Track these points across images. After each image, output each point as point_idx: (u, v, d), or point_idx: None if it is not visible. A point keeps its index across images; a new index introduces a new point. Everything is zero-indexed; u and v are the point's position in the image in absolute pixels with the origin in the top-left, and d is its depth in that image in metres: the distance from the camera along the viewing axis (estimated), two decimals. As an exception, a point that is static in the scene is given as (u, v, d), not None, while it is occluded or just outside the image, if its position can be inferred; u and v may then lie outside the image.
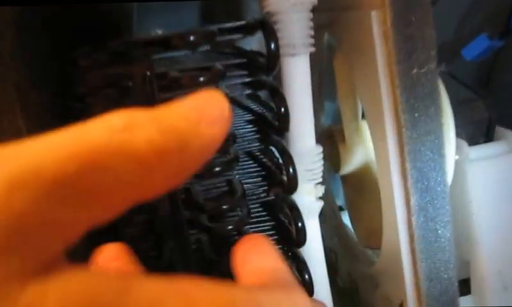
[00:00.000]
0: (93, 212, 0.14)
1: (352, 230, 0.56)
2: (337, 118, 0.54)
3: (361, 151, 0.49)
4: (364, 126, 0.49)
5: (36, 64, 0.37)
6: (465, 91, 0.50)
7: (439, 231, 0.34)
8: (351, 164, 0.49)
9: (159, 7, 0.50)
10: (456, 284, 0.36)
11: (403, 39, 0.32)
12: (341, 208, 0.62)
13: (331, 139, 0.51)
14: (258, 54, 0.37)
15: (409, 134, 0.33)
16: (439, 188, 0.34)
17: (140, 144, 0.14)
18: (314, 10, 0.43)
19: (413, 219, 0.34)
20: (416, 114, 0.33)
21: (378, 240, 0.44)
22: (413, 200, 0.34)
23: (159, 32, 0.44)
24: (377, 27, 0.33)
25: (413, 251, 0.35)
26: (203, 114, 0.16)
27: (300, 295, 0.19)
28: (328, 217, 0.57)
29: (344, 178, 0.51)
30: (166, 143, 0.15)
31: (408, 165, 0.33)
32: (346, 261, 0.58)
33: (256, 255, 0.23)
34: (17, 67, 0.36)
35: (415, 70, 0.32)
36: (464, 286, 0.47)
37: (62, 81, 0.36)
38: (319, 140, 0.53)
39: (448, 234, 0.35)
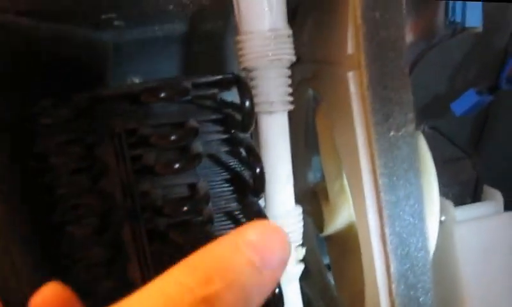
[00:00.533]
0: None
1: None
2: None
3: (345, 212, 0.47)
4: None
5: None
6: (453, 148, 0.50)
7: (420, 299, 0.33)
8: (335, 224, 0.47)
9: (137, 54, 0.50)
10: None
11: (380, 102, 0.31)
12: (329, 267, 0.60)
13: (315, 198, 0.49)
14: (234, 107, 0.36)
15: (388, 198, 0.32)
16: (420, 255, 0.33)
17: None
18: (299, 62, 0.42)
19: (393, 286, 0.33)
20: (394, 178, 0.32)
21: (361, 305, 0.42)
22: (392, 267, 0.32)
23: (136, 80, 0.43)
24: (355, 88, 0.32)
25: (394, 320, 0.34)
26: (268, 260, 0.17)
27: None
28: (313, 278, 0.55)
29: (328, 239, 0.50)
30: (231, 295, 0.16)
31: (387, 230, 0.32)
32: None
33: None
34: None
35: (392, 133, 0.31)
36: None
37: (20, 139, 0.35)
38: (304, 198, 0.52)
39: (429, 302, 0.33)
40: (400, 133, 0.31)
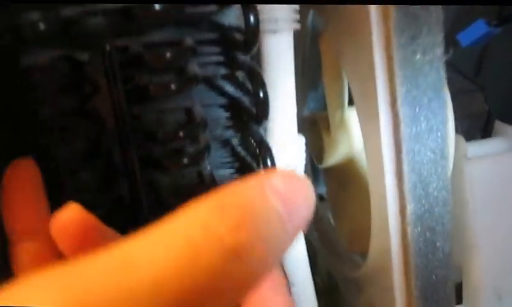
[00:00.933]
0: None
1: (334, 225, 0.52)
2: (320, 108, 0.49)
3: (347, 142, 0.44)
4: (351, 114, 0.44)
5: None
6: (462, 81, 0.46)
7: (437, 244, 0.30)
8: (335, 155, 0.44)
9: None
10: (454, 303, 0.31)
11: (406, 20, 0.26)
12: (321, 198, 0.57)
13: (314, 128, 0.46)
14: (236, 29, 0.32)
15: (409, 131, 0.28)
16: (440, 195, 0.29)
17: (249, 273, 0.14)
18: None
19: (409, 229, 0.30)
20: (417, 108, 0.28)
21: (364, 244, 0.39)
22: (409, 208, 0.29)
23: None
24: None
25: (406, 265, 0.31)
26: (292, 215, 0.15)
27: None
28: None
29: (327, 171, 0.46)
30: (268, 260, 0.15)
31: (406, 168, 0.29)
32: (326, 259, 0.53)
33: None
34: None
35: (418, 57, 0.27)
36: (456, 294, 0.43)
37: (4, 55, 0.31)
38: (301, 128, 0.48)
39: (447, 248, 0.30)
40: (427, 58, 0.27)
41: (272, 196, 0.15)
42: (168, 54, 0.28)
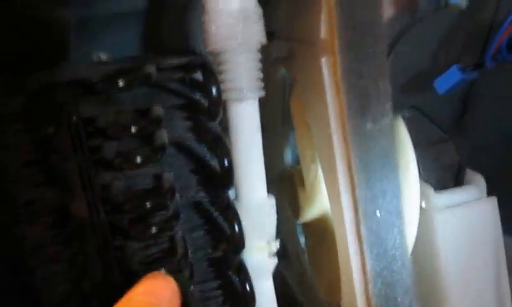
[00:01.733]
0: None
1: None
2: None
3: (321, 199, 0.45)
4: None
5: None
6: (436, 130, 0.47)
7: (398, 299, 0.31)
8: (311, 211, 0.45)
9: (102, 29, 0.46)
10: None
11: (355, 93, 0.28)
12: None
13: (291, 182, 0.47)
14: (202, 95, 0.33)
15: (363, 194, 0.30)
16: (397, 253, 0.31)
17: None
18: (273, 37, 0.39)
19: (370, 286, 0.31)
20: (370, 173, 0.29)
21: (337, 295, 0.41)
22: (368, 266, 0.31)
23: (102, 56, 0.40)
24: (329, 75, 0.30)
25: (370, 319, 0.32)
26: (161, 295, 0.22)
27: None
28: (291, 262, 0.53)
29: (305, 225, 0.48)
30: None
31: (363, 228, 0.30)
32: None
33: None
34: None
35: (368, 126, 0.29)
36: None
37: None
38: (281, 181, 0.49)
39: (407, 302, 0.31)
40: (377, 127, 0.29)
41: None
42: (134, 127, 0.30)
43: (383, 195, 0.30)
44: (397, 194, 0.30)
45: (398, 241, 0.31)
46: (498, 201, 0.43)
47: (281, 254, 0.49)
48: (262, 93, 0.34)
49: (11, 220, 0.31)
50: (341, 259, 0.34)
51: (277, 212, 0.38)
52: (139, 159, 0.31)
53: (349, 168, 0.30)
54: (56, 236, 0.31)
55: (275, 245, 0.37)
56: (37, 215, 0.31)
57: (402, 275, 0.31)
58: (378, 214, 0.30)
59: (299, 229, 0.55)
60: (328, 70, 0.30)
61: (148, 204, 0.31)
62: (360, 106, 0.28)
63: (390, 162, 0.29)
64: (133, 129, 0.31)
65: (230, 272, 0.37)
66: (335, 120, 0.30)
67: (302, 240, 0.56)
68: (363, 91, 0.28)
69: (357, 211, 0.30)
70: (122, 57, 0.37)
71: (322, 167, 0.35)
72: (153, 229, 0.32)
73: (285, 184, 0.48)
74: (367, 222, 0.30)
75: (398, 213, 0.30)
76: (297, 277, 0.53)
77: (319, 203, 0.45)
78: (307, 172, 0.44)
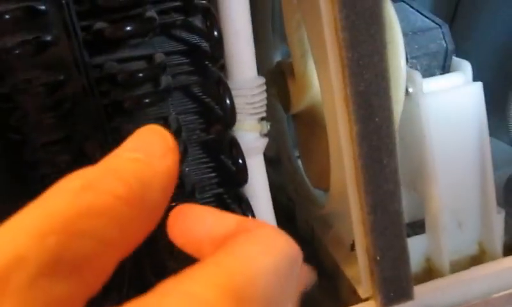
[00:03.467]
0: (86, 281, 0.14)
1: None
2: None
3: (311, 89, 0.46)
4: (312, 62, 0.46)
5: None
6: (423, 19, 0.47)
7: (384, 161, 0.32)
8: (301, 102, 0.46)
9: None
10: (403, 217, 0.34)
11: None
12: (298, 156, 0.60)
13: (281, 77, 0.48)
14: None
15: (350, 55, 0.30)
16: (384, 115, 0.32)
17: (108, 200, 0.14)
18: None
19: (357, 149, 0.32)
20: (357, 33, 0.30)
21: (328, 180, 0.42)
22: (355, 128, 0.31)
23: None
24: None
25: (358, 183, 0.33)
26: (151, 152, 0.17)
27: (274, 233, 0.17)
28: (284, 164, 0.54)
29: (295, 118, 0.49)
30: (131, 190, 0.15)
31: (350, 90, 0.31)
32: (303, 209, 0.56)
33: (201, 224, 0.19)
34: None
35: (355, -17, 0.29)
36: (422, 229, 0.46)
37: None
38: (271, 80, 0.50)
39: (393, 164, 0.32)
40: (363, -16, 0.29)
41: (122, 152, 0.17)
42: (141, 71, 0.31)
43: (370, 56, 0.30)
44: (383, 57, 0.31)
45: (384, 103, 0.31)
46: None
47: (273, 160, 0.51)
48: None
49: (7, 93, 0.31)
50: (329, 127, 0.35)
51: (267, 113, 0.39)
52: (129, 29, 0.31)
53: (335, 29, 0.30)
54: (52, 116, 0.32)
55: (265, 125, 0.38)
56: (31, 90, 0.31)
57: (388, 138, 0.32)
58: (365, 75, 0.30)
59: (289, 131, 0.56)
60: None
61: (140, 76, 0.32)
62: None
63: (377, 21, 0.30)
64: (140, 74, 0.31)
65: (222, 154, 0.38)
66: (322, -19, 0.30)
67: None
68: None
69: (344, 73, 0.31)
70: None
71: (311, 41, 0.35)
72: (147, 101, 0.33)
73: (276, 79, 0.49)
74: (354, 84, 0.31)
75: (384, 76, 0.31)
76: (290, 177, 0.55)
77: (308, 93, 0.45)
78: (297, 63, 0.45)
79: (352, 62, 0.30)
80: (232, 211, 0.39)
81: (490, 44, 0.65)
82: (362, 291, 0.37)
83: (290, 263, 0.16)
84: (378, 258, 0.34)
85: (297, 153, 0.57)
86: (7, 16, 0.29)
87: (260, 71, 0.38)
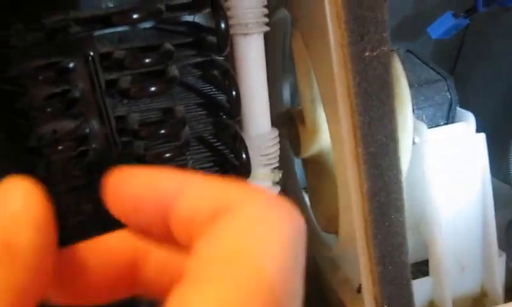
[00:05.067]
0: None
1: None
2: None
3: (321, 136, 0.48)
4: (321, 110, 0.48)
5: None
6: (428, 71, 0.50)
7: (392, 216, 0.34)
8: (311, 148, 0.48)
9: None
10: (409, 268, 0.36)
11: (355, 21, 0.30)
12: (306, 190, 0.61)
13: (291, 122, 0.50)
14: (209, 30, 0.35)
15: (362, 119, 0.32)
16: (392, 174, 0.33)
17: None
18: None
19: (367, 204, 0.34)
20: (368, 99, 0.32)
21: (336, 225, 0.44)
22: (366, 186, 0.33)
23: (110, 4, 0.42)
24: (330, 6, 0.32)
25: (367, 236, 0.35)
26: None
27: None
28: (291, 200, 0.56)
29: (305, 162, 0.50)
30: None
31: (361, 151, 0.33)
32: (310, 246, 0.57)
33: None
34: None
35: (367, 53, 0.31)
36: (426, 267, 0.47)
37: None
38: (281, 121, 0.52)
39: (401, 219, 0.34)
40: (375, 54, 0.31)
41: None
42: (148, 59, 0.32)
43: (380, 119, 0.32)
44: (392, 119, 0.33)
45: (393, 163, 0.33)
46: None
47: (281, 191, 0.52)
48: (267, 28, 0.37)
49: (38, 146, 0.33)
50: (340, 181, 0.37)
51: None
52: (153, 88, 0.33)
53: (349, 93, 0.32)
54: (76, 164, 0.33)
55: (278, 175, 0.40)
56: (59, 144, 0.33)
57: (397, 195, 0.34)
58: (375, 138, 0.32)
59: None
60: (329, 1, 0.32)
61: (162, 132, 0.34)
62: (359, 34, 0.31)
63: (386, 88, 0.32)
64: (146, 60, 0.33)
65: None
66: (336, 48, 0.32)
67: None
68: (362, 20, 0.30)
69: (355, 134, 0.33)
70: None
71: (323, 97, 0.37)
72: (167, 156, 0.34)
73: (285, 124, 0.51)
74: (365, 145, 0.33)
75: (393, 137, 0.33)
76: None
77: (318, 140, 0.47)
78: (307, 110, 0.47)
79: (364, 125, 0.32)
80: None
81: (491, 92, 0.67)
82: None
83: (295, 245, 0.13)
84: (385, 306, 0.36)
85: (305, 191, 0.59)
86: (39, 75, 0.31)
87: (271, 111, 0.39)
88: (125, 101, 0.35)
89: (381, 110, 0.32)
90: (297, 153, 0.49)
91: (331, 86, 0.33)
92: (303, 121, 0.48)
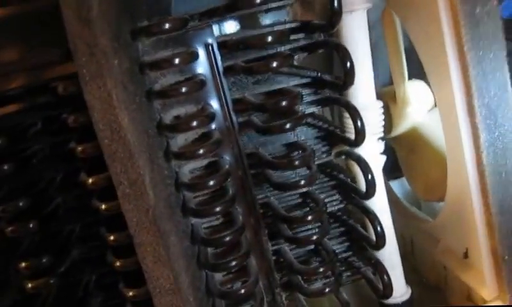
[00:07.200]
0: None
1: (397, 194, 0.57)
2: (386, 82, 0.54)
3: (411, 113, 0.50)
4: (412, 87, 0.50)
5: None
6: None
7: (507, 164, 0.36)
8: (403, 125, 0.50)
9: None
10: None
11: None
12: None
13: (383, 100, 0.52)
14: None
15: (475, 72, 0.34)
16: (506, 124, 0.35)
17: None
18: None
19: (483, 155, 0.36)
20: (480, 52, 0.34)
21: (438, 193, 0.45)
22: (482, 137, 0.35)
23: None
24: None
25: (483, 188, 0.37)
26: None
27: None
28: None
29: (396, 138, 0.52)
30: None
31: (476, 103, 0.35)
32: (404, 226, 0.58)
33: None
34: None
35: (478, 10, 0.33)
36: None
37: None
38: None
39: (517, 168, 0.36)
40: (485, 9, 0.33)
41: None
42: (275, 63, 0.34)
43: (493, 72, 0.34)
44: (503, 72, 0.35)
45: (507, 113, 0.35)
46: None
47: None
48: (370, 5, 0.39)
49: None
50: (449, 141, 0.39)
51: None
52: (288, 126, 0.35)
53: (461, 49, 0.34)
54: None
55: (382, 145, 0.42)
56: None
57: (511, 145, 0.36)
58: (488, 89, 0.34)
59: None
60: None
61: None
62: (470, -8, 0.33)
63: (497, 41, 0.34)
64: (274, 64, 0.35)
65: (342, 174, 0.42)
66: (446, 9, 0.34)
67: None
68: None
69: (469, 88, 0.35)
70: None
71: (427, 66, 0.39)
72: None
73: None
74: (480, 97, 0.35)
75: (506, 88, 0.35)
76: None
77: (409, 116, 0.49)
78: (399, 88, 0.49)
79: (477, 78, 0.34)
80: (358, 221, 0.43)
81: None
82: (487, 294, 0.40)
83: None
84: (506, 257, 0.37)
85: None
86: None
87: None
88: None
89: (493, 63, 0.34)
90: (388, 131, 0.51)
91: (438, 46, 0.36)
92: (394, 100, 0.50)
